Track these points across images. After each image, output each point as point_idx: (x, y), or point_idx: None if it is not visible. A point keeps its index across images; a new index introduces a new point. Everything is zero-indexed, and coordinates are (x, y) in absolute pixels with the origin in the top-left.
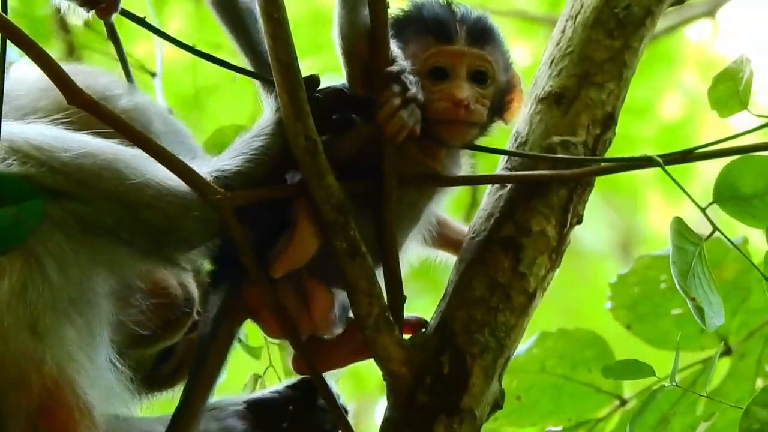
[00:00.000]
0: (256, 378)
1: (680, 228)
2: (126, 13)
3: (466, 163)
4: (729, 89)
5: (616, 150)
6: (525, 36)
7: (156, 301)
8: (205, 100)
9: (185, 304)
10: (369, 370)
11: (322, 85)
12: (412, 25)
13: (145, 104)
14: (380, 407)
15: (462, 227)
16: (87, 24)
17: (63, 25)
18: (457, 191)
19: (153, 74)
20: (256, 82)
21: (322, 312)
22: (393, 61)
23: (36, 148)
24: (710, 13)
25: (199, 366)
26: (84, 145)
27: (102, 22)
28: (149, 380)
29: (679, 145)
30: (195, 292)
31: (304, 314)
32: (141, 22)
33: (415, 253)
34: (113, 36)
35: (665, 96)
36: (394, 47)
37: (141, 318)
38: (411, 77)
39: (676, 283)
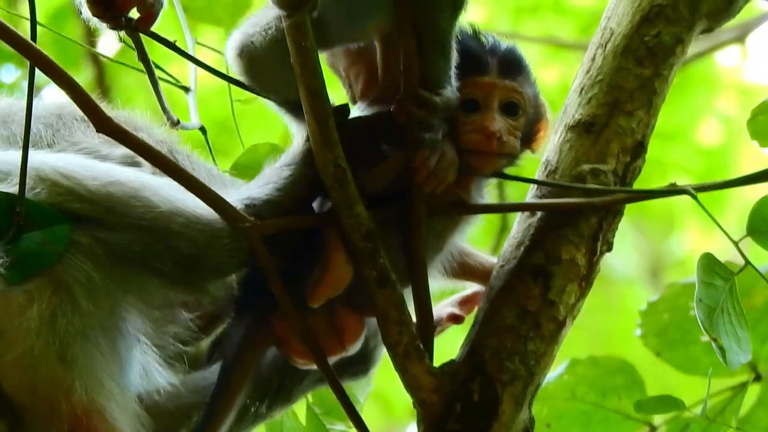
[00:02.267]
0: None
1: (710, 263)
2: (156, 37)
3: (489, 192)
4: None
5: (648, 174)
6: (555, 62)
7: (200, 312)
8: (239, 117)
9: (224, 300)
10: (398, 395)
11: (352, 114)
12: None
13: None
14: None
15: (487, 258)
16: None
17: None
18: (487, 219)
19: (187, 90)
20: (285, 116)
21: (354, 339)
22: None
23: (64, 176)
24: (740, 38)
25: (221, 391)
26: (112, 173)
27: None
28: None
29: (716, 171)
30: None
31: (335, 341)
32: (171, 46)
33: (434, 284)
34: (143, 56)
35: (697, 121)
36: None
37: (185, 334)
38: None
39: (699, 322)
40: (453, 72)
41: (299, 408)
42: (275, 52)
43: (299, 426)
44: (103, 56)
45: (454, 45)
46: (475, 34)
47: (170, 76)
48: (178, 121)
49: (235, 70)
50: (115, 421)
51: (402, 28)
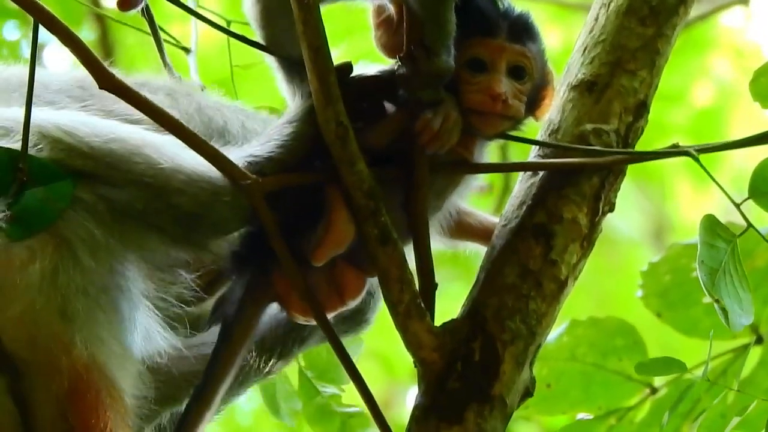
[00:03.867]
0: None
1: (712, 225)
2: None
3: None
4: None
5: (648, 137)
6: (558, 22)
7: (202, 271)
8: (240, 79)
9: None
10: (399, 357)
11: (355, 72)
12: (456, 11)
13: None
14: (411, 394)
15: (488, 218)
16: None
17: (96, 4)
18: (489, 179)
19: (188, 50)
20: (281, 77)
21: (354, 295)
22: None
23: (66, 133)
24: (744, 1)
25: (222, 347)
26: (114, 130)
27: None
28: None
29: (710, 132)
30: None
31: (335, 297)
32: (175, 1)
33: (433, 243)
34: (147, 13)
35: (697, 83)
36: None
37: (187, 294)
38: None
39: (702, 283)
40: (450, 41)
41: (291, 371)
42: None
43: (291, 389)
44: (107, 15)
45: (451, 17)
46: None
47: (172, 37)
48: (181, 80)
49: (248, 14)
50: (115, 377)
51: None
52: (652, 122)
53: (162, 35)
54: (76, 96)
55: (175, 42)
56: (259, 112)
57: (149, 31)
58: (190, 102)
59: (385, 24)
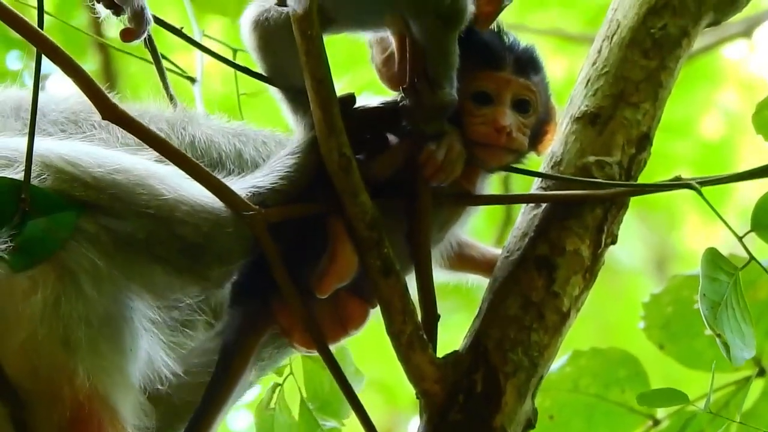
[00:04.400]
0: (275, 387)
1: (714, 258)
2: (163, 24)
3: (494, 184)
4: None
5: (653, 168)
6: (562, 54)
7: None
8: (247, 107)
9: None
10: (401, 386)
11: (358, 103)
12: (461, 44)
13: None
14: (413, 424)
15: (490, 249)
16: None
17: (99, 32)
18: (491, 210)
19: (193, 80)
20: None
21: (357, 325)
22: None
23: (70, 164)
24: (747, 33)
25: (221, 375)
26: (117, 161)
27: None
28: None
29: (716, 164)
30: None
31: (338, 327)
32: (178, 33)
33: (435, 274)
34: (150, 44)
35: (702, 114)
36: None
37: (189, 318)
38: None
39: (703, 317)
40: (454, 73)
41: (293, 403)
42: (288, 30)
43: (292, 421)
44: (110, 45)
45: (455, 49)
46: (497, 31)
47: (176, 66)
48: (178, 109)
49: (247, 44)
50: (117, 407)
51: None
52: (657, 153)
53: (167, 64)
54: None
55: (180, 72)
56: (263, 130)
57: (152, 59)
58: (184, 135)
59: (387, 56)
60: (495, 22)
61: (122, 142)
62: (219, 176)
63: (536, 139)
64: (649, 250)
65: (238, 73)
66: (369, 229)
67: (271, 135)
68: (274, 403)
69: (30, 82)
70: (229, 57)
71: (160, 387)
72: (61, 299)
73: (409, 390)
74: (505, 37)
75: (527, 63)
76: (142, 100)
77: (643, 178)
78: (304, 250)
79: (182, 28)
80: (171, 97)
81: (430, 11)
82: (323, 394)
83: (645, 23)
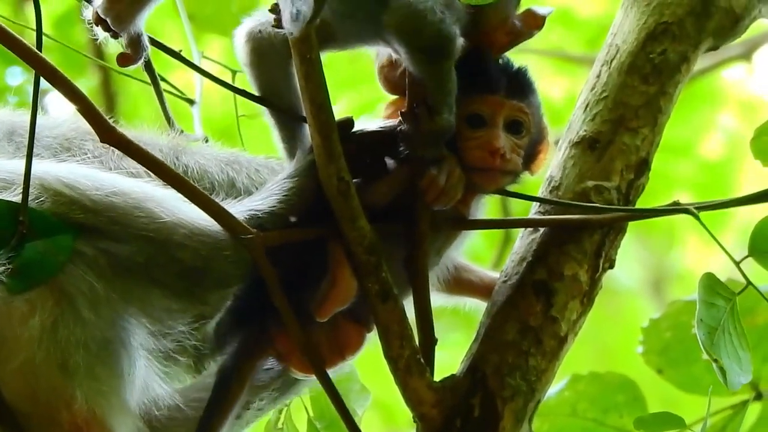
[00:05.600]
0: (282, 407)
1: (711, 283)
2: (162, 47)
3: (493, 207)
4: None
5: (653, 189)
6: (562, 75)
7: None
8: (244, 129)
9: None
10: (399, 405)
11: (357, 126)
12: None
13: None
14: None
15: (487, 273)
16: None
17: (99, 55)
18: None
19: (192, 102)
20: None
21: (354, 351)
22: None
23: (68, 186)
24: (746, 55)
25: (218, 400)
26: (116, 184)
27: None
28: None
29: (716, 184)
30: None
31: (335, 352)
32: (176, 56)
33: (432, 298)
34: (148, 68)
35: (702, 135)
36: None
37: (179, 346)
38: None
39: (700, 342)
40: (453, 99)
41: (299, 421)
42: (282, 46)
43: None
44: (108, 66)
45: (451, 78)
46: (488, 52)
47: (175, 88)
48: (182, 133)
49: (240, 59)
50: (114, 430)
51: None
52: (656, 174)
53: (166, 86)
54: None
55: (179, 94)
56: (257, 157)
57: (151, 82)
58: (177, 165)
59: (391, 60)
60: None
61: (115, 172)
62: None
63: (530, 159)
64: (646, 271)
65: (237, 96)
66: (367, 254)
67: (264, 162)
68: (281, 423)
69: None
70: (228, 78)
71: (157, 419)
72: (59, 323)
73: (406, 409)
74: (497, 59)
75: (520, 85)
76: (140, 122)
77: (642, 198)
78: (302, 275)
79: (181, 50)
80: (169, 119)
81: (412, 45)
82: (330, 412)
83: (644, 48)
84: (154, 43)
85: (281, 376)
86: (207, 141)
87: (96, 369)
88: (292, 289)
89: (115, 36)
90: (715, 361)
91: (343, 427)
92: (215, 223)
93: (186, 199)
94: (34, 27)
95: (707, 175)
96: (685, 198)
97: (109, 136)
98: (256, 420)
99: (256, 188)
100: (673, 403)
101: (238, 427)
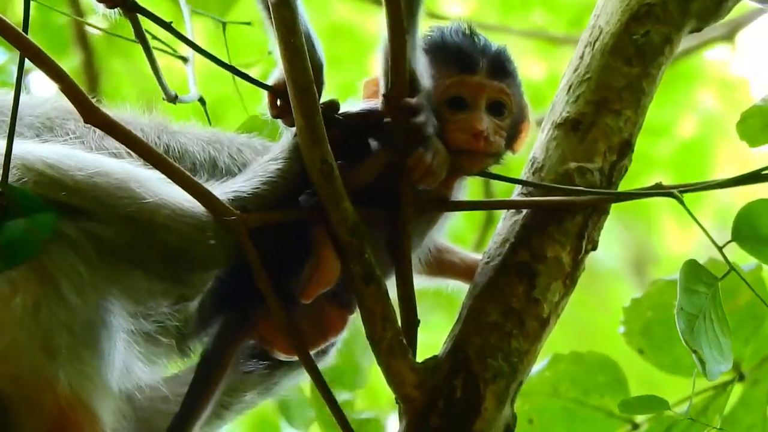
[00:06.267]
0: None
1: (693, 270)
2: (153, 17)
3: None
4: (758, 123)
5: (634, 170)
6: (544, 56)
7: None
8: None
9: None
10: (382, 385)
11: (342, 109)
12: (433, 50)
13: None
14: (392, 421)
15: (469, 255)
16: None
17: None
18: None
19: (185, 60)
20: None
21: (336, 332)
22: (416, 89)
23: (50, 167)
24: (729, 36)
25: (202, 383)
26: (99, 165)
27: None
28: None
29: (696, 165)
30: None
31: (317, 334)
32: (168, 27)
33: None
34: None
35: (683, 116)
36: (423, 71)
37: (161, 327)
38: (428, 116)
39: (680, 332)
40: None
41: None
42: None
43: (304, 398)
44: (98, 28)
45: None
46: (467, 34)
47: (167, 45)
48: (176, 96)
49: None
50: (97, 412)
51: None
52: (637, 154)
53: (156, 43)
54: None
55: (171, 51)
56: (239, 137)
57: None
58: (159, 144)
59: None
60: (466, 25)
61: (96, 151)
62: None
63: (511, 138)
64: (628, 252)
65: (231, 51)
66: (351, 236)
67: (246, 141)
68: None
69: (15, 74)
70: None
71: (142, 407)
72: (41, 304)
73: (388, 388)
74: (476, 40)
75: (500, 66)
76: (123, 102)
77: (623, 180)
78: (285, 258)
79: (171, 22)
80: (161, 83)
81: None
82: (331, 369)
83: (627, 30)
84: (146, 13)
85: (262, 378)
86: (202, 101)
87: (79, 351)
88: (275, 271)
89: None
90: (695, 352)
91: (348, 380)
92: (199, 204)
93: (169, 180)
94: (19, 6)
95: (686, 156)
96: (663, 179)
97: (92, 116)
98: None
99: (238, 168)
100: (654, 383)
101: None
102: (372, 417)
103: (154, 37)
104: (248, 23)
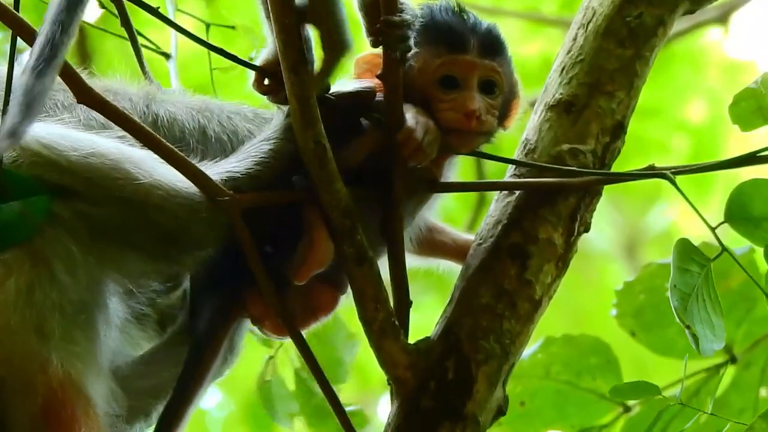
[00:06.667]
0: (269, 360)
1: (686, 249)
2: (139, 3)
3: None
4: (751, 106)
5: (629, 152)
6: (537, 37)
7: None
8: (219, 85)
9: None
10: (373, 366)
11: (333, 88)
12: (424, 29)
13: None
14: (384, 402)
15: (461, 235)
16: (102, 7)
17: None
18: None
19: (168, 56)
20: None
21: (327, 313)
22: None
23: (45, 147)
24: (722, 18)
25: (194, 363)
26: (93, 145)
27: (114, 9)
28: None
29: (699, 148)
30: None
31: (308, 315)
32: (154, 12)
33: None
34: (126, 22)
35: (680, 99)
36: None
37: (149, 308)
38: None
39: (673, 309)
40: None
41: (286, 373)
42: None
43: (287, 392)
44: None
45: None
46: (457, 12)
47: (151, 42)
48: (159, 88)
49: None
50: (89, 394)
51: None
52: (633, 138)
53: (141, 41)
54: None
55: (154, 48)
56: (229, 105)
57: (128, 37)
58: (147, 114)
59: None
60: (455, 3)
61: (85, 123)
62: (193, 161)
63: (503, 116)
64: (621, 235)
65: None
66: (343, 217)
67: (236, 109)
68: (269, 375)
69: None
70: (203, 31)
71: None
72: (35, 285)
73: (380, 370)
74: (466, 18)
75: (491, 44)
76: (117, 77)
77: (618, 162)
78: (278, 240)
79: (158, 7)
80: (146, 74)
81: None
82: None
83: (621, 12)
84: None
85: None
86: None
87: (72, 332)
88: (267, 252)
89: None
90: (688, 327)
91: (330, 376)
92: (192, 184)
93: (163, 160)
94: None
95: (689, 140)
96: (663, 161)
97: (85, 95)
98: None
99: (228, 136)
100: (646, 365)
101: None
102: (356, 410)
103: (140, 34)
104: (232, 27)
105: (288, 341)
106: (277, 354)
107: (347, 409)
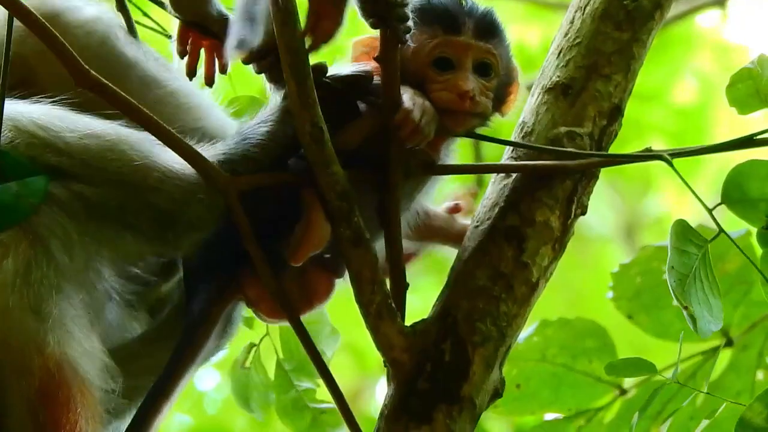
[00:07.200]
0: (251, 347)
1: (684, 230)
2: None
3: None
4: (748, 88)
5: (626, 135)
6: (537, 20)
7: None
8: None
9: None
10: (370, 348)
11: (330, 71)
12: (419, 11)
13: (111, 17)
14: (381, 386)
15: (458, 219)
16: None
17: None
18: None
19: (170, 36)
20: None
21: (323, 298)
22: None
23: (41, 128)
24: (720, 2)
25: (186, 342)
26: (89, 126)
27: None
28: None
29: (689, 130)
30: None
31: (303, 300)
32: None
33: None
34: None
35: (674, 81)
36: None
37: (136, 295)
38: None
39: (671, 290)
40: None
41: (268, 363)
42: None
43: (267, 381)
44: None
45: None
46: None
47: (156, 23)
48: None
49: None
50: (85, 373)
51: None
52: (629, 121)
53: (144, 20)
54: None
55: (160, 29)
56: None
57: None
58: None
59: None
60: None
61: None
62: (190, 142)
63: (500, 101)
64: (618, 217)
65: None
66: (340, 200)
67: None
68: (249, 362)
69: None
70: None
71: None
72: (31, 266)
73: (378, 354)
74: (464, 1)
75: (487, 26)
76: None
77: (615, 147)
78: (274, 221)
79: None
80: None
81: None
82: (299, 355)
83: None
84: None
85: None
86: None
87: (69, 313)
88: (264, 234)
89: None
90: (686, 308)
91: (311, 370)
92: (189, 166)
93: (159, 141)
94: None
95: (681, 122)
96: (658, 145)
97: (84, 79)
98: None
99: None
100: (643, 348)
101: None
102: (331, 408)
103: (145, 15)
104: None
105: (280, 325)
106: (261, 343)
107: (321, 406)
